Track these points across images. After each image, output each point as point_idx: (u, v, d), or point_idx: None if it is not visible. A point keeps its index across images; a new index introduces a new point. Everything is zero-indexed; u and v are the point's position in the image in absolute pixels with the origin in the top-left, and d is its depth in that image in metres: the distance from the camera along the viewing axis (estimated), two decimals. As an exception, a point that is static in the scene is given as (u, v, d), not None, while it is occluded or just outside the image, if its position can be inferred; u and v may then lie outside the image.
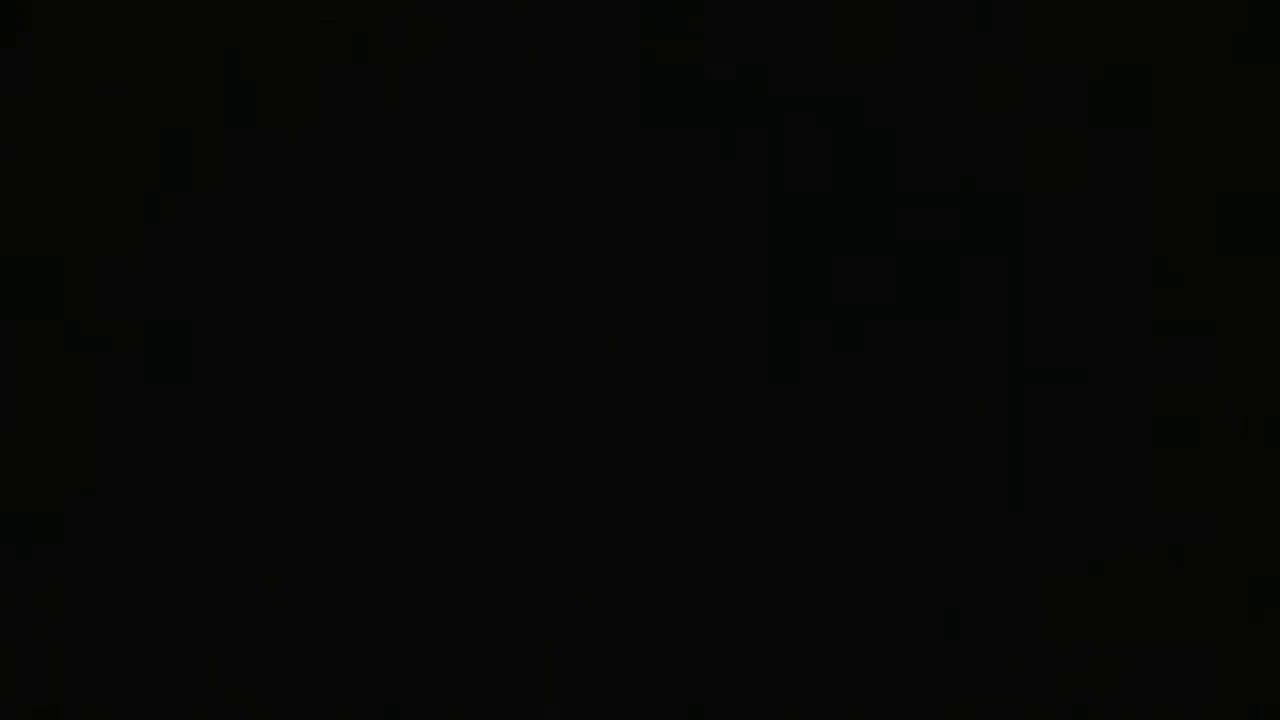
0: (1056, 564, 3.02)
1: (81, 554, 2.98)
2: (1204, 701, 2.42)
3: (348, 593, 2.84)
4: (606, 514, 3.43)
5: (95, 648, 2.52)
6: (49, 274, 4.02)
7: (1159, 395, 3.44)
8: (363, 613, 2.71)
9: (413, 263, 4.37)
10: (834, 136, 4.84)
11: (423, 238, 4.33)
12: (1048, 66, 4.37)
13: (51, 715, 2.35)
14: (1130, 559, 3.09)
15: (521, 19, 4.77)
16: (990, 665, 2.48)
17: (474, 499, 3.63)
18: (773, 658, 2.80)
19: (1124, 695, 2.42)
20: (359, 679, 2.45)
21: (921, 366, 4.13)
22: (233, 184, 4.17)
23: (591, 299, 4.15)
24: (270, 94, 4.55)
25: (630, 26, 4.53)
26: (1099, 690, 2.44)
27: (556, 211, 4.29)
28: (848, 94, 4.74)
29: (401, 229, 4.69)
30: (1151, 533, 3.23)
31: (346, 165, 4.89)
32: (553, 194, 4.26)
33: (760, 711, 2.71)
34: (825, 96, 4.80)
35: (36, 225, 4.05)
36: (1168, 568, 2.98)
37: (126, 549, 3.01)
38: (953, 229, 4.57)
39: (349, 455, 4.28)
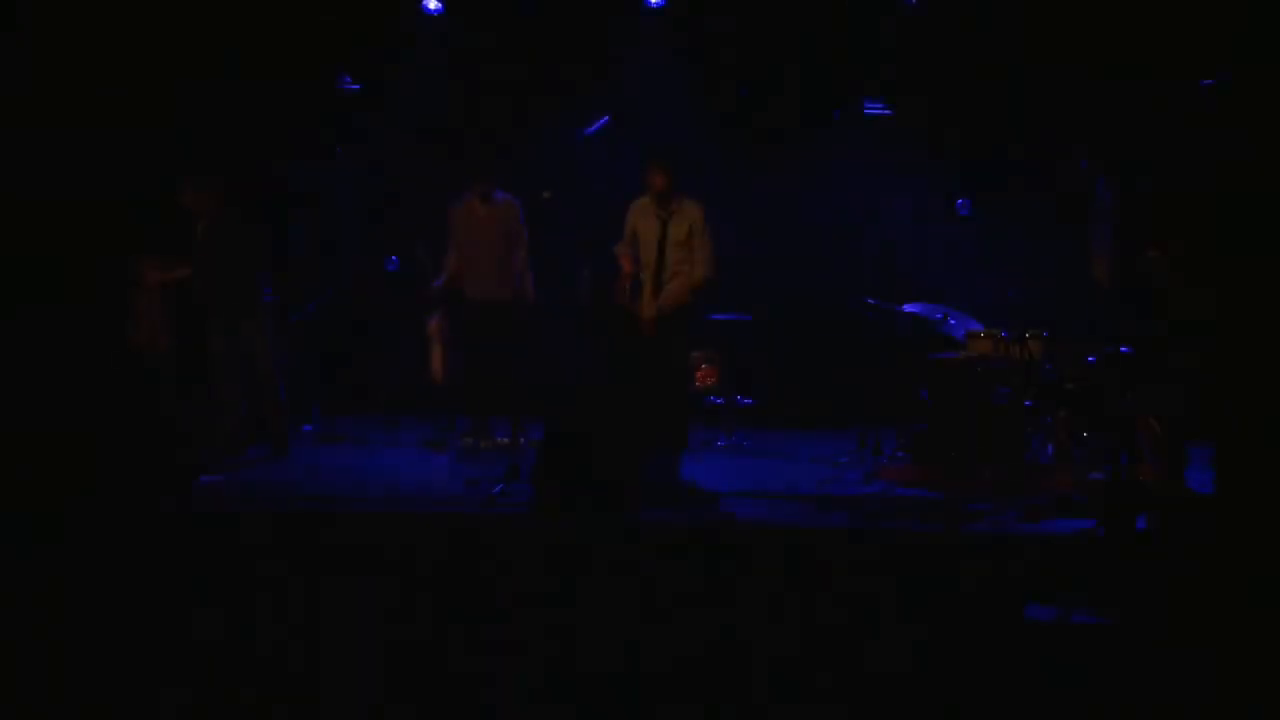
0: (1057, 563, 3.03)
1: (81, 554, 2.99)
2: (1204, 701, 2.42)
3: (347, 593, 2.86)
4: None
5: (95, 648, 2.52)
6: (49, 274, 4.01)
7: (1159, 395, 3.44)
8: (360, 612, 2.72)
9: (412, 261, 4.36)
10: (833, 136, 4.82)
11: (422, 237, 4.32)
12: (1048, 66, 4.37)
13: (51, 715, 2.36)
14: (1130, 558, 3.10)
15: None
16: (989, 664, 2.49)
17: (472, 492, 3.63)
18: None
19: (1124, 695, 2.42)
20: (357, 679, 2.45)
21: (920, 366, 4.13)
22: (232, 184, 4.17)
23: (590, 298, 4.15)
24: (271, 94, 4.54)
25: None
26: (1099, 690, 2.44)
27: (557, 212, 4.29)
28: (847, 94, 4.73)
29: (402, 227, 4.68)
30: (1152, 533, 3.23)
31: (346, 165, 4.88)
32: (552, 194, 4.26)
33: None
34: (827, 96, 4.78)
35: (36, 225, 4.05)
36: (1168, 568, 2.99)
37: (126, 549, 3.02)
38: (953, 229, 4.57)
39: (348, 453, 4.27)
